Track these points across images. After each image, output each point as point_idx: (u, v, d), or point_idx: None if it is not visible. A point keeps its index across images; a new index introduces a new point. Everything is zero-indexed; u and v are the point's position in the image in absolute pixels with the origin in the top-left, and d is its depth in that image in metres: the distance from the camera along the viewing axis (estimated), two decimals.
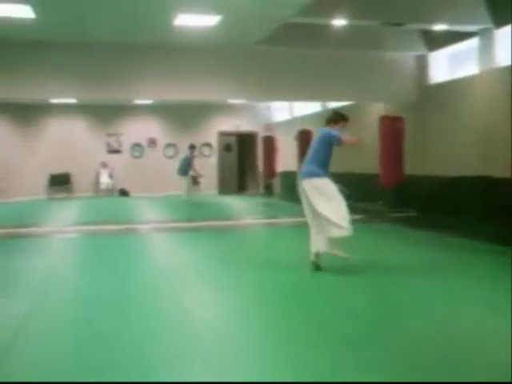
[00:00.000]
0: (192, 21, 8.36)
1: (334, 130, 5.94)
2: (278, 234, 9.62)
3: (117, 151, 17.91)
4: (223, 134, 18.66)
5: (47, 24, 8.57)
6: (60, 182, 17.11)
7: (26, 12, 7.77)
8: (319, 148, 5.96)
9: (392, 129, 10.30)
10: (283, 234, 9.51)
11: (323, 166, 5.89)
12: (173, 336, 3.93)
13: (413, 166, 10.41)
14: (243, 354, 3.58)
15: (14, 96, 10.74)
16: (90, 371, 3.24)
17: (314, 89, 10.95)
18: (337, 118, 6.10)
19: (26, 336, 3.99)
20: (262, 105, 18.18)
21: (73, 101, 15.06)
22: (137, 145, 18.06)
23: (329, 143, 5.92)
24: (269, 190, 17.05)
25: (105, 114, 17.40)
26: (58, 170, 16.98)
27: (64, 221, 11.08)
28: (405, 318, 4.25)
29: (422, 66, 11.24)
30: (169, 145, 18.27)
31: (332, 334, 3.84)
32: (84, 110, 17.01)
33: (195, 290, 5.35)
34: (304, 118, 15.47)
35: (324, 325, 4.07)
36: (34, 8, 7.66)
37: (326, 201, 5.75)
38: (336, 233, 5.67)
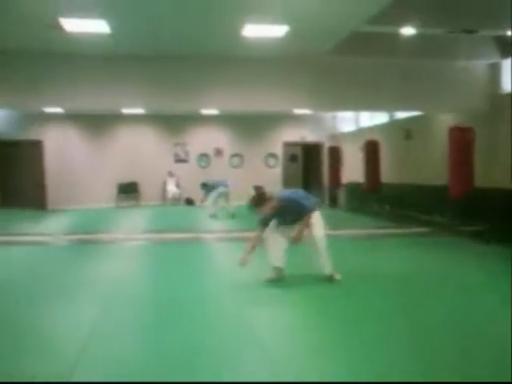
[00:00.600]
0: (260, 31, 8.39)
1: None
2: (340, 246, 9.49)
3: (183, 161, 18.20)
4: (288, 145, 18.67)
5: (121, 38, 8.80)
6: (128, 190, 17.54)
7: (102, 27, 8.04)
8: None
9: (462, 140, 10.00)
10: (345, 247, 9.37)
11: None
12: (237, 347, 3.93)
13: (483, 178, 10.07)
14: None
15: (87, 106, 11.08)
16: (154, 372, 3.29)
17: (381, 99, 10.78)
18: (259, 202, 5.87)
19: (98, 338, 4.10)
20: (328, 115, 18.07)
21: (141, 111, 15.45)
22: (203, 154, 18.30)
23: None
24: (333, 202, 16.90)
25: (172, 123, 17.74)
26: (126, 178, 17.42)
27: (132, 228, 11.33)
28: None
29: (494, 74, 10.87)
30: (234, 155, 18.43)
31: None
32: (152, 120, 17.41)
33: (253, 301, 5.35)
34: (370, 129, 15.27)
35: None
36: (110, 23, 7.90)
37: None
38: None
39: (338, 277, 6.09)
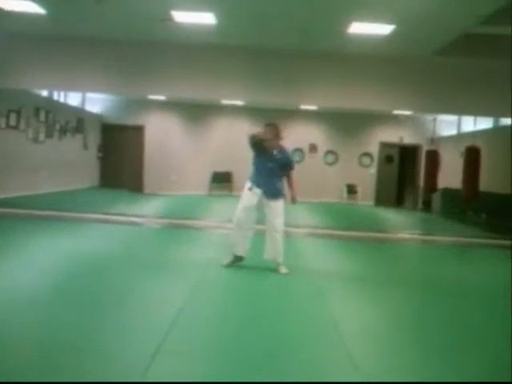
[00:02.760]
0: (365, 29, 8.32)
1: None
2: (434, 252, 9.25)
3: None
4: (385, 145, 18.34)
5: (227, 30, 9.00)
6: (222, 179, 17.88)
7: (209, 19, 8.25)
8: None
9: None
10: (439, 252, 9.12)
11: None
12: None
13: None
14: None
15: (188, 95, 11.39)
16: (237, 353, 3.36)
17: (488, 104, 10.36)
18: (275, 134, 6.27)
19: (186, 318, 4.24)
20: (428, 118, 17.58)
21: (240, 103, 15.69)
22: (297, 149, 18.32)
23: None
24: (427, 206, 16.46)
25: (269, 117, 17.79)
26: (221, 167, 17.76)
27: (223, 216, 11.54)
28: None
29: None
30: (329, 152, 18.33)
31: None
32: (250, 112, 17.62)
33: (341, 297, 5.33)
34: (473, 134, 14.70)
35: None
36: (217, 15, 8.10)
37: None
38: None
39: (283, 270, 6.22)
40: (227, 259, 6.40)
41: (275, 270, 6.25)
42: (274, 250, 6.32)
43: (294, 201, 6.42)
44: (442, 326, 4.55)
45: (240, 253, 6.37)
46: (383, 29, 8.20)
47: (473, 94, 10.13)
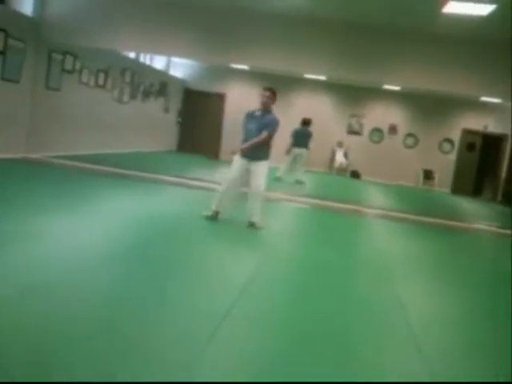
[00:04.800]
0: (462, 9, 7.97)
1: (246, 114, 6.88)
2: (506, 245, 8.93)
3: (356, 133, 18.06)
4: (467, 132, 17.71)
5: (316, 1, 8.84)
6: None
7: None
8: None
9: None
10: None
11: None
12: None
13: None
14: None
15: (271, 66, 11.34)
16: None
17: None
18: (273, 97, 6.79)
19: (256, 284, 4.30)
20: None
21: (323, 78, 15.50)
22: (377, 129, 18.00)
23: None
24: (508, 199, 15.84)
25: (351, 94, 17.63)
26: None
27: (295, 191, 11.55)
28: None
29: None
30: (409, 134, 17.91)
31: None
32: (332, 88, 17.43)
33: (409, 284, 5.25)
34: None
35: None
36: None
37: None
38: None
39: (259, 225, 6.56)
40: (208, 212, 6.79)
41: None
42: (250, 208, 6.64)
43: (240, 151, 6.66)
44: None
45: (218, 209, 6.76)
46: (482, 9, 7.82)
47: None
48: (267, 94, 6.62)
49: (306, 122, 13.37)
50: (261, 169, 6.59)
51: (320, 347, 3.28)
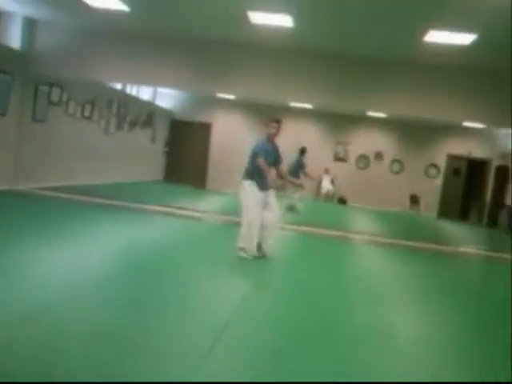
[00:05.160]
0: (443, 38, 8.13)
1: (260, 145, 6.66)
2: (495, 269, 8.99)
3: (342, 160, 18.21)
4: (452, 157, 17.92)
5: (303, 33, 8.98)
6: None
7: (285, 21, 8.27)
8: (248, 160, 6.77)
9: None
10: (501, 270, 8.86)
11: (251, 171, 6.62)
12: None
13: None
14: None
15: (258, 97, 11.45)
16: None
17: None
18: (268, 122, 6.77)
19: (244, 314, 4.30)
20: (501, 131, 17.07)
21: (309, 106, 15.67)
22: (363, 156, 18.17)
23: (253, 156, 6.66)
24: (493, 222, 15.99)
25: (337, 122, 17.82)
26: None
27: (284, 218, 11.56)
28: None
29: None
30: (395, 160, 18.08)
31: None
32: (318, 116, 17.62)
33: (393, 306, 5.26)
34: None
35: None
36: (294, 18, 8.09)
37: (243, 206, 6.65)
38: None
39: (244, 254, 6.45)
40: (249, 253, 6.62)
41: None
42: (269, 238, 6.66)
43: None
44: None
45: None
46: (463, 38, 7.98)
47: None
48: (276, 125, 6.69)
49: (303, 151, 13.44)
50: (244, 193, 6.64)
51: (311, 362, 3.28)
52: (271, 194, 6.67)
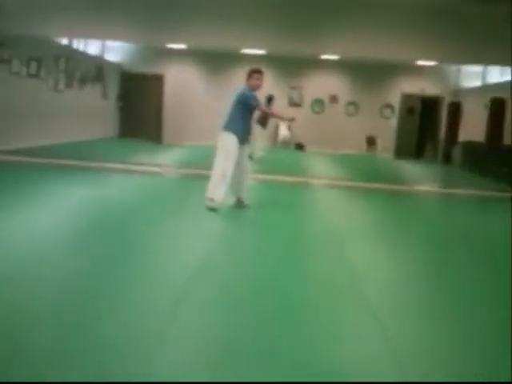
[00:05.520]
0: None
1: (250, 94, 6.39)
2: (451, 205, 9.22)
3: (297, 105, 18.14)
4: (406, 97, 18.05)
5: None
6: None
7: None
8: (233, 111, 6.43)
9: None
10: (455, 205, 9.10)
11: (234, 123, 6.40)
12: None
13: None
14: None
15: (210, 45, 11.24)
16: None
17: None
18: (249, 71, 6.52)
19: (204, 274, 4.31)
20: (452, 68, 17.23)
21: (261, 52, 15.44)
22: (318, 100, 18.13)
23: (243, 106, 6.38)
24: (447, 158, 16.32)
25: (290, 66, 17.64)
26: None
27: None
28: None
29: None
30: (350, 103, 18.11)
31: None
32: (271, 61, 17.34)
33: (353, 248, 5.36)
34: (498, 86, 14.40)
35: None
36: None
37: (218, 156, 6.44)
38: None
39: (213, 204, 6.34)
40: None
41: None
42: (245, 188, 6.76)
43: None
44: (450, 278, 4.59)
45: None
46: None
47: (501, 44, 9.83)
48: (259, 76, 6.49)
49: (270, 99, 13.31)
50: (221, 143, 6.51)
51: (273, 308, 3.32)
52: (245, 149, 6.64)
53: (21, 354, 2.65)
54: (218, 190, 6.37)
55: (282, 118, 7.98)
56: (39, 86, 12.43)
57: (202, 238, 5.30)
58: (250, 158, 12.66)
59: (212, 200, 6.40)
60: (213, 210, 6.35)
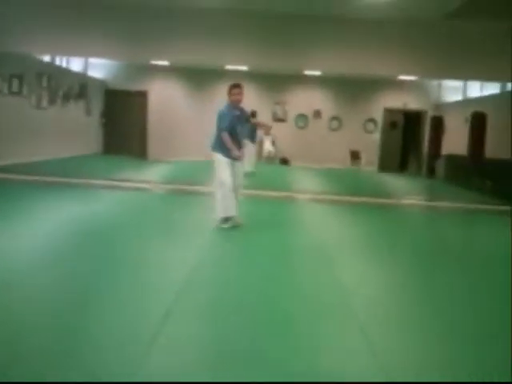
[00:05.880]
0: None
1: (223, 113, 6.40)
2: (436, 218, 9.28)
3: (281, 120, 18.22)
4: (389, 111, 18.22)
5: None
6: None
7: None
8: (216, 129, 6.51)
9: None
10: (441, 218, 9.15)
11: (218, 142, 6.39)
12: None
13: None
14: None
15: (193, 61, 11.26)
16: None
17: (497, 68, 10.19)
18: (229, 87, 6.55)
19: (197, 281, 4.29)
20: (433, 83, 17.43)
21: (244, 68, 15.53)
22: (302, 115, 18.23)
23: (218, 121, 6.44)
24: (431, 172, 16.45)
25: (273, 82, 17.74)
26: None
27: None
28: None
29: None
30: (334, 118, 18.23)
31: None
32: (254, 77, 17.45)
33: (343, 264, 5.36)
34: (479, 100, 14.59)
35: None
36: None
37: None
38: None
39: (227, 223, 6.38)
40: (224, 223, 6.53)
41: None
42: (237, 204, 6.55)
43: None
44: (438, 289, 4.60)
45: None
46: None
47: (480, 59, 10.00)
48: (239, 90, 6.53)
49: (253, 115, 13.37)
50: (215, 162, 6.49)
51: (263, 327, 3.31)
52: (238, 165, 6.59)
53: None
54: (224, 205, 6.36)
55: (264, 125, 8.39)
56: (22, 103, 12.37)
57: (190, 253, 5.27)
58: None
59: (225, 220, 6.42)
60: (233, 226, 6.43)
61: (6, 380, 2.44)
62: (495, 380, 2.87)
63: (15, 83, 11.98)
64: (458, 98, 16.52)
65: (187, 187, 10.27)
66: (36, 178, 9.94)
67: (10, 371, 2.63)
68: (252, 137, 12.83)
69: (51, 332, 3.15)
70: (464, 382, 2.81)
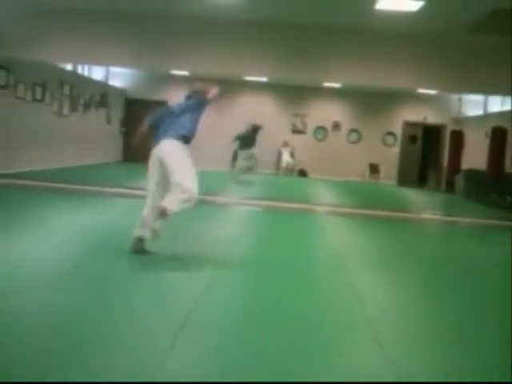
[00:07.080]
0: (393, 5, 8.17)
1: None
2: (455, 233, 9.21)
3: (300, 132, 18.24)
4: (408, 124, 18.15)
5: (254, 5, 8.90)
6: None
7: None
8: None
9: None
10: (459, 234, 9.08)
11: None
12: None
13: None
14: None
15: (213, 72, 11.31)
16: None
17: None
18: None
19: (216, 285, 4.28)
20: (454, 97, 17.33)
21: (264, 79, 15.59)
22: (321, 127, 18.23)
23: None
24: (450, 187, 16.33)
25: (293, 94, 17.77)
26: None
27: (244, 194, 11.56)
28: None
29: None
30: (352, 130, 18.20)
31: None
32: (274, 89, 17.52)
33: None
34: (499, 115, 14.46)
35: None
36: None
37: None
38: None
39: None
40: None
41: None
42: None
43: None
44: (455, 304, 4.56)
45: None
46: (411, 5, 8.05)
47: (501, 74, 9.90)
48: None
49: (256, 130, 13.70)
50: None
51: (279, 335, 3.30)
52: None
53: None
54: None
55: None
56: (44, 110, 12.53)
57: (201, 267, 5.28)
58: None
59: None
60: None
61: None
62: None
63: (38, 91, 12.15)
64: (479, 112, 16.40)
65: (203, 197, 10.27)
66: (56, 185, 9.98)
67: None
68: (249, 144, 13.26)
69: (66, 338, 3.15)
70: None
